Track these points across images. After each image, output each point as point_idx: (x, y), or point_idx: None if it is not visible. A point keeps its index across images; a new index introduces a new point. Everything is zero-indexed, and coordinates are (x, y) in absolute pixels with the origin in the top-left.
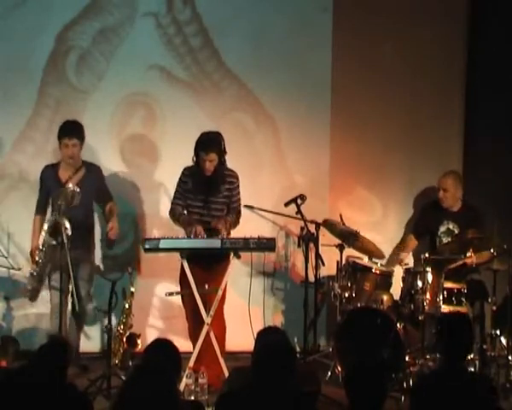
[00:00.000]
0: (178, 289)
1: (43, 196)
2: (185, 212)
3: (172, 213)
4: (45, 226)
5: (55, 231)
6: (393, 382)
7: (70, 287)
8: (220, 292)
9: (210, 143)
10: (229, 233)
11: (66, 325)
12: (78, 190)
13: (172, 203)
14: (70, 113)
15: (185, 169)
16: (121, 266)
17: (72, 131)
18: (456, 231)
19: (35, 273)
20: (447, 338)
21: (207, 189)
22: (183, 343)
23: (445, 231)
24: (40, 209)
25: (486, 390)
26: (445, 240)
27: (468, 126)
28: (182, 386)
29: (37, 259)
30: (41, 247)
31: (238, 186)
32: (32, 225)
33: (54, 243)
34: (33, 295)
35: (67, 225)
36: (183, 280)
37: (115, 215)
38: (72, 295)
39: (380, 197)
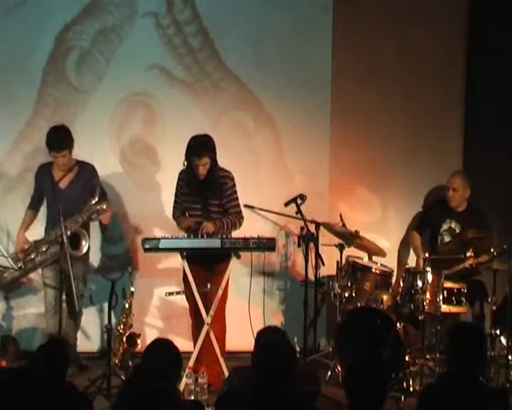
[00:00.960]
0: (178, 289)
1: (37, 194)
2: (187, 214)
3: (173, 217)
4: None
5: (74, 241)
6: (393, 382)
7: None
8: (220, 292)
9: (202, 147)
10: (229, 233)
11: (62, 324)
12: (104, 207)
13: (173, 208)
14: (70, 113)
15: (181, 173)
16: (121, 266)
17: (59, 144)
18: (458, 231)
19: (21, 266)
20: (461, 354)
21: (204, 192)
22: (183, 343)
23: (446, 229)
24: (33, 205)
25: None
26: (446, 238)
27: (468, 126)
28: (182, 386)
29: (25, 248)
30: (31, 245)
31: (233, 186)
32: (23, 217)
33: (83, 252)
34: (10, 284)
35: (84, 242)
36: (186, 279)
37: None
38: (68, 295)
39: (380, 197)
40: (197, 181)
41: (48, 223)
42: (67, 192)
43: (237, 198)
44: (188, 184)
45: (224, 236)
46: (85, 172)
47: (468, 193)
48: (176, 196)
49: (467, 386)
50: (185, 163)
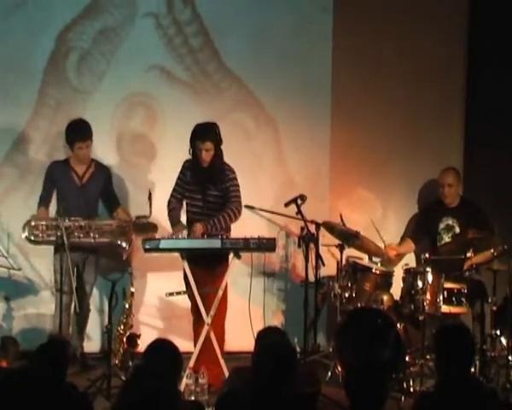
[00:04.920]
0: (179, 290)
1: (49, 191)
2: (184, 204)
3: (168, 205)
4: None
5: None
6: (394, 382)
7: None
8: (220, 292)
9: (206, 131)
10: (226, 227)
11: (69, 326)
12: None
13: (171, 195)
14: (70, 113)
15: (186, 161)
16: (121, 267)
17: (85, 133)
18: (456, 226)
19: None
20: (447, 353)
21: (205, 182)
22: (183, 343)
23: (444, 228)
24: (44, 203)
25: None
26: (445, 236)
27: (468, 127)
28: (182, 386)
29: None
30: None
31: (234, 179)
32: (38, 215)
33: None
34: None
35: (124, 244)
36: (187, 279)
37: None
38: (75, 296)
39: (380, 197)
40: (200, 171)
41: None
42: (87, 188)
43: (237, 189)
44: (191, 173)
45: (221, 232)
46: (103, 172)
47: (460, 188)
48: (176, 184)
49: (459, 388)
50: (190, 151)
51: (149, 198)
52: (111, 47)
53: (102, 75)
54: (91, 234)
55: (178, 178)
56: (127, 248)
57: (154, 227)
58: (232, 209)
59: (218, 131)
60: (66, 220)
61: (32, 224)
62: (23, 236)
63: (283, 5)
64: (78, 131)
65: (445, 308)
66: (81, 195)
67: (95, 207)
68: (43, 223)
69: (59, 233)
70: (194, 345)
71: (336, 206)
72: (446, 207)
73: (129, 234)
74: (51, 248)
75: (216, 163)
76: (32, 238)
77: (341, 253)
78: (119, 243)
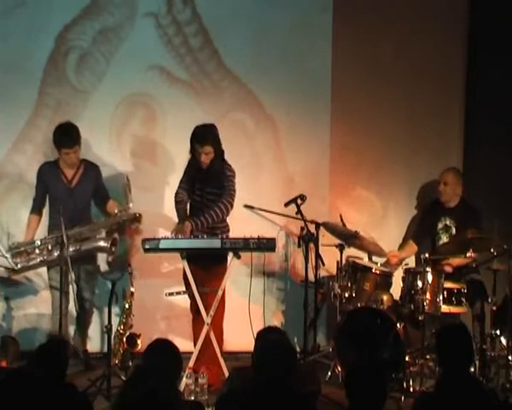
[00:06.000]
0: (178, 289)
1: (41, 195)
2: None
3: (175, 196)
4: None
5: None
6: (393, 382)
7: (71, 287)
8: (220, 292)
9: (204, 135)
10: (216, 222)
11: (67, 326)
12: (138, 215)
13: (178, 187)
14: (70, 113)
15: (190, 158)
16: (121, 266)
17: (71, 139)
18: (453, 227)
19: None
20: (447, 353)
21: (204, 180)
22: (183, 343)
23: (442, 228)
24: (37, 208)
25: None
26: (442, 236)
27: (468, 127)
28: (182, 386)
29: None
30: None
31: (231, 176)
32: (28, 224)
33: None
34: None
35: (105, 243)
36: (186, 279)
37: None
38: (75, 296)
39: (380, 197)
40: (199, 169)
41: (52, 224)
42: (77, 190)
43: (231, 184)
44: (192, 171)
45: (215, 227)
46: (93, 171)
47: (459, 189)
48: (183, 175)
49: (459, 388)
50: (190, 151)
51: (128, 186)
52: (111, 47)
53: (102, 75)
54: (70, 248)
55: (185, 171)
56: (113, 248)
57: (138, 217)
58: (223, 202)
59: (216, 132)
60: (39, 242)
61: (8, 256)
62: (2, 268)
63: (283, 5)
64: (65, 137)
65: (444, 308)
66: (71, 197)
67: (86, 208)
68: (22, 249)
69: (40, 258)
70: (194, 345)
71: (336, 206)
72: (445, 208)
73: (110, 234)
74: None
75: (215, 165)
76: (16, 268)
77: (341, 253)
78: (102, 244)
